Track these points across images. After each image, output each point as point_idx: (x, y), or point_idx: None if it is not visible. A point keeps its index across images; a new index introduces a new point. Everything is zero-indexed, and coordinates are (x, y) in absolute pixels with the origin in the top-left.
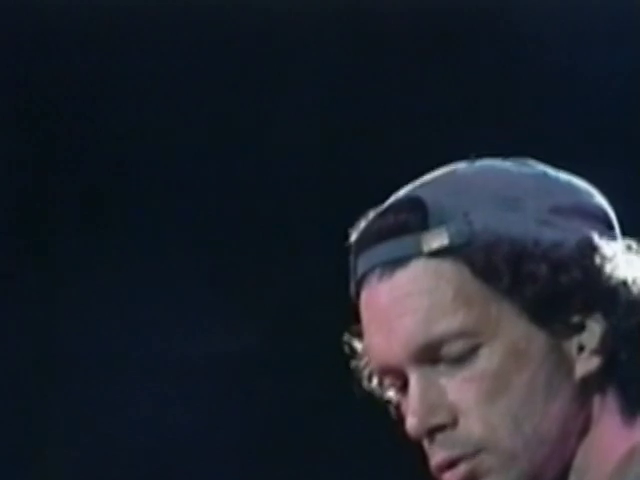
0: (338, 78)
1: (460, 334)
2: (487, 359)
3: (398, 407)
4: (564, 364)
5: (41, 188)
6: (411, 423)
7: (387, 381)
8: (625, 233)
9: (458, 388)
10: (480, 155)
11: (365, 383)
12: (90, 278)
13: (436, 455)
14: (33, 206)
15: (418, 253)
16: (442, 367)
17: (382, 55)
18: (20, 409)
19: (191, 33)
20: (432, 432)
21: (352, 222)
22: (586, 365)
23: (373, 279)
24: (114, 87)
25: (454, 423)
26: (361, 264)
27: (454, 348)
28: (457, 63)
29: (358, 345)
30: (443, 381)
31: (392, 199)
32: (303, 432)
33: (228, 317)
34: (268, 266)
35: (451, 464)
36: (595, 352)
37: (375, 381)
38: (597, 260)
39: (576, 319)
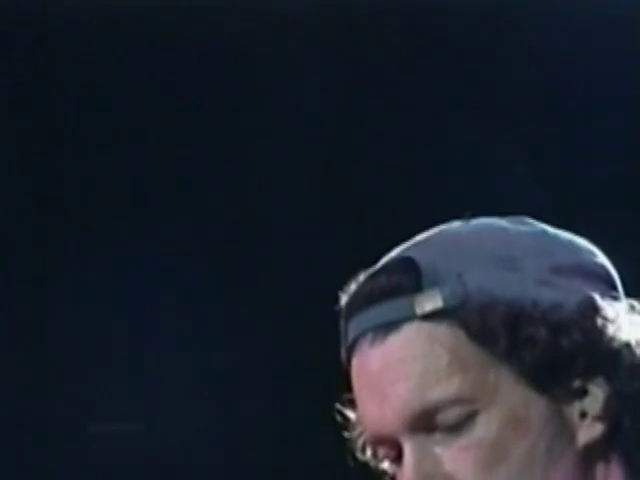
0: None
1: (456, 401)
2: (484, 427)
3: (393, 479)
4: (566, 431)
5: (41, 186)
6: None
7: (381, 452)
8: (628, 293)
9: (454, 457)
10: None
11: (359, 454)
12: (89, 277)
13: None
14: (33, 205)
15: (411, 316)
16: (437, 435)
17: (383, 77)
18: (18, 411)
19: (191, 45)
20: None
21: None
22: (589, 432)
23: (364, 344)
24: (114, 89)
25: None
26: (352, 328)
27: (450, 415)
28: (458, 77)
29: (351, 415)
30: (438, 450)
31: (384, 260)
32: (305, 437)
33: (230, 317)
34: (269, 269)
35: None
36: (598, 418)
37: (369, 452)
38: (599, 322)
39: (578, 384)
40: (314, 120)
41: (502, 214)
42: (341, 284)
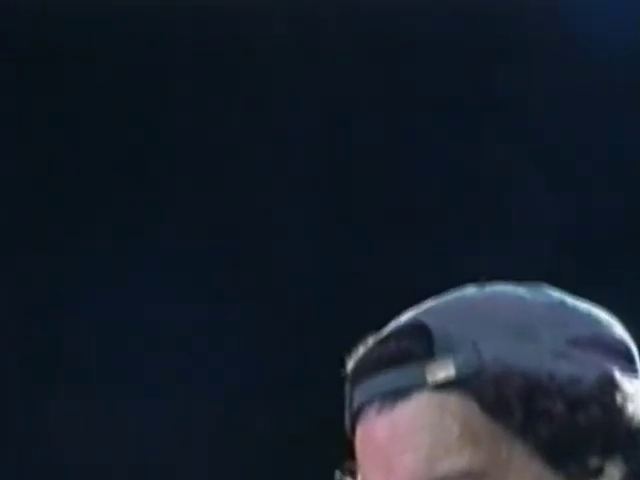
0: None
1: (466, 475)
2: None
3: None
4: None
5: (41, 186)
6: None
7: None
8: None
9: None
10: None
11: None
12: (88, 277)
13: None
14: (35, 206)
15: (422, 384)
16: None
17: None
18: (20, 411)
19: (190, 45)
20: None
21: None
22: None
23: (371, 412)
24: (114, 89)
25: None
26: (358, 395)
27: None
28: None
29: None
30: None
31: (393, 325)
32: (305, 442)
33: (233, 318)
34: (271, 269)
35: None
36: None
37: None
38: (618, 398)
39: (594, 462)
40: (314, 120)
41: (502, 215)
42: (343, 287)
